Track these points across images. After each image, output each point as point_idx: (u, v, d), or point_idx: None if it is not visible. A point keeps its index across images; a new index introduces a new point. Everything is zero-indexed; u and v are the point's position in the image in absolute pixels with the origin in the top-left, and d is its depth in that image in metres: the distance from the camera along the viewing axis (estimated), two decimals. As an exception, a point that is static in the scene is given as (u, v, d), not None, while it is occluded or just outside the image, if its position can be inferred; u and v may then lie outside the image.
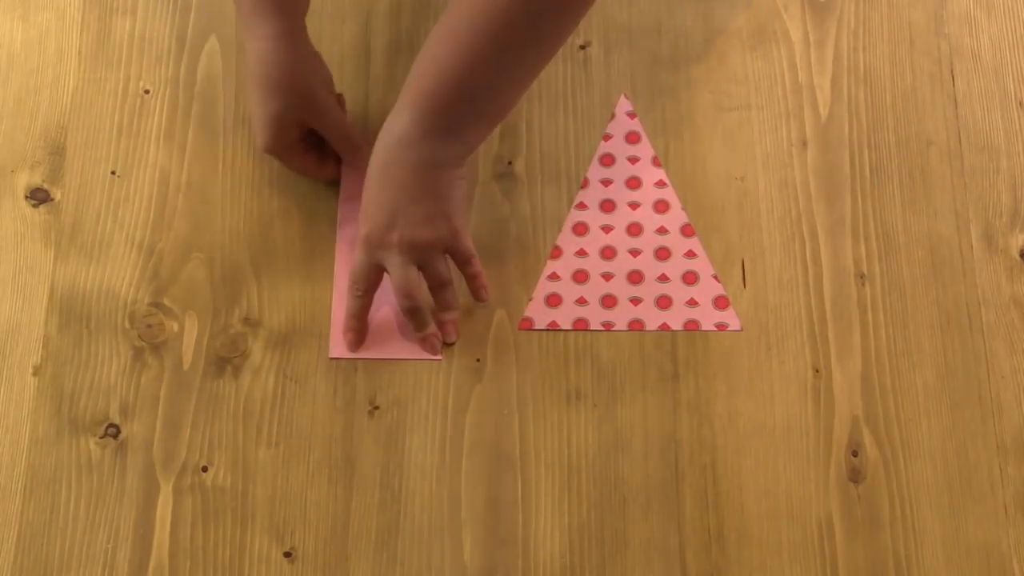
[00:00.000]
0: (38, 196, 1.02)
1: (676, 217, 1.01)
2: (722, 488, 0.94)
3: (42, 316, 0.98)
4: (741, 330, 0.98)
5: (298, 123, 0.96)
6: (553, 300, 0.99)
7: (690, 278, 1.00)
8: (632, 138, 1.04)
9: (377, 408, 0.96)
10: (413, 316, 0.95)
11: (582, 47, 1.07)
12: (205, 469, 0.94)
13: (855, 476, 0.94)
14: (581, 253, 1.01)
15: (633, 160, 1.03)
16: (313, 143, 0.99)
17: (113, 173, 1.03)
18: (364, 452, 0.95)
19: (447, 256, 0.95)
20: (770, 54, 1.07)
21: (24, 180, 1.03)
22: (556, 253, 1.01)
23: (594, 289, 0.99)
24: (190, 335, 0.98)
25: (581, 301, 0.99)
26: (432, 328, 0.96)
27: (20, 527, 0.93)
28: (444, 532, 0.93)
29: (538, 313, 0.99)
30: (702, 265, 1.00)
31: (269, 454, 0.95)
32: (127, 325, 0.98)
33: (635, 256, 1.00)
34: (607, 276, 1.00)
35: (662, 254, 1.00)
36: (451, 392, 0.96)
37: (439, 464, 0.94)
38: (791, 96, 1.05)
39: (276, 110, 0.95)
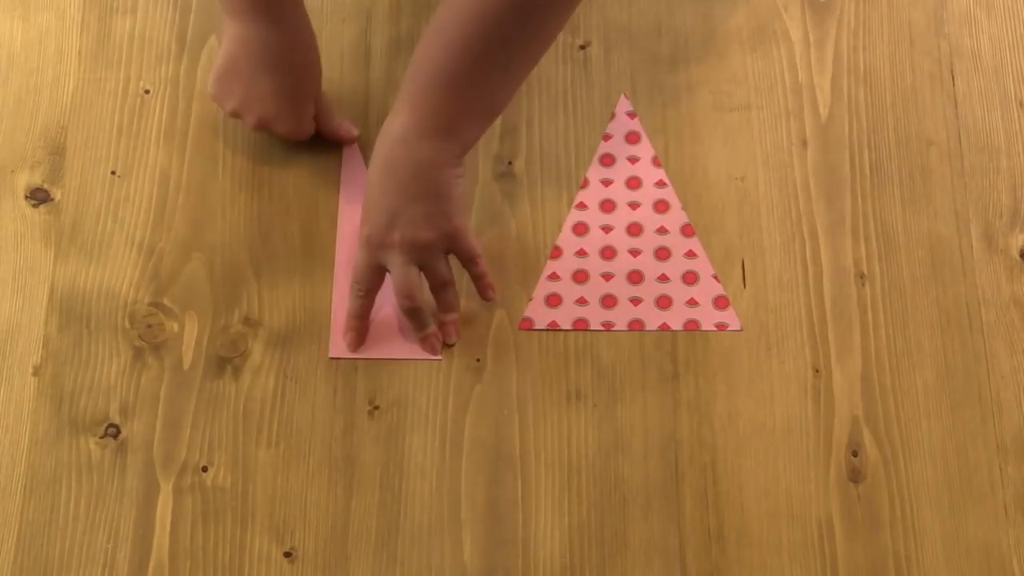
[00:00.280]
0: (38, 196, 1.02)
1: (676, 217, 1.01)
2: (722, 488, 0.94)
3: (42, 316, 0.98)
4: (741, 330, 0.98)
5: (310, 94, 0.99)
6: (553, 300, 0.99)
7: (690, 278, 1.00)
8: (632, 138, 1.04)
9: (377, 408, 0.96)
10: (413, 317, 0.95)
11: (582, 47, 1.07)
12: (205, 469, 0.94)
13: (855, 476, 0.94)
14: (581, 253, 1.00)
15: (633, 160, 1.03)
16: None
17: (113, 173, 1.03)
18: (364, 452, 0.95)
19: (449, 256, 0.95)
20: (770, 54, 1.07)
21: (24, 180, 1.03)
22: (556, 253, 1.00)
23: (594, 289, 0.99)
24: (190, 335, 0.98)
25: (581, 301, 0.99)
26: (432, 328, 0.96)
27: (20, 527, 0.93)
28: (444, 532, 0.93)
29: (538, 313, 0.99)
30: (702, 265, 1.00)
31: (269, 454, 0.95)
32: (127, 325, 0.98)
33: (635, 256, 1.00)
34: (607, 276, 1.00)
35: (662, 254, 1.00)
36: (451, 392, 0.96)
37: (439, 464, 0.94)
38: (791, 96, 1.05)
39: (294, 87, 0.97)
